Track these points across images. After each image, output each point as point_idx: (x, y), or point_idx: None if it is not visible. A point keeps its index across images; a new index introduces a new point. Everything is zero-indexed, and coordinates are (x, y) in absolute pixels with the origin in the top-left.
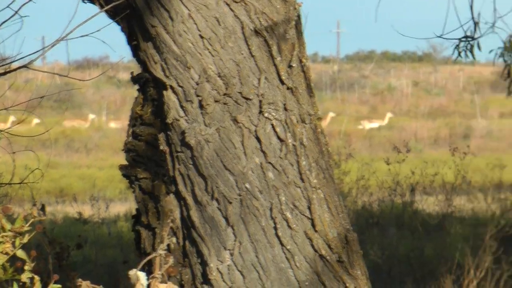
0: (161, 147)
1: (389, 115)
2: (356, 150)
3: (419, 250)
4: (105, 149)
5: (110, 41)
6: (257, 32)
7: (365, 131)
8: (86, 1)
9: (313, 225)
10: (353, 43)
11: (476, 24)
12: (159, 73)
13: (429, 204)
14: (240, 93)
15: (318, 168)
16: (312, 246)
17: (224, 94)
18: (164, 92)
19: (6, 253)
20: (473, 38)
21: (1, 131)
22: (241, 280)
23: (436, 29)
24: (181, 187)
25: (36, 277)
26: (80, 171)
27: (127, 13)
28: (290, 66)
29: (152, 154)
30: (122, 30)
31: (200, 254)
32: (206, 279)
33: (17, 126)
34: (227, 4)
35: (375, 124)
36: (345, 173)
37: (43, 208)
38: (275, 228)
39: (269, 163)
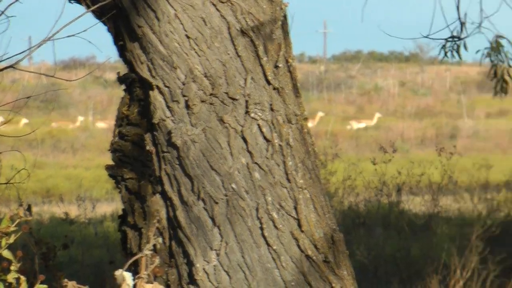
0: (147, 147)
1: (377, 115)
2: (343, 150)
3: (406, 250)
4: (92, 149)
5: (97, 41)
6: (243, 32)
7: (352, 131)
8: (72, 1)
9: (299, 225)
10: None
11: (462, 24)
12: (145, 73)
13: (415, 204)
14: (226, 93)
15: (304, 168)
16: (298, 246)
17: (211, 94)
18: (151, 92)
19: None
20: (459, 38)
21: None
22: (227, 280)
23: (423, 30)
24: (167, 187)
25: (22, 278)
26: (66, 171)
27: (113, 13)
28: (276, 66)
29: (138, 154)
30: (109, 30)
31: (186, 254)
32: (192, 280)
33: (3, 126)
34: (213, 4)
35: (363, 124)
36: (332, 173)
37: (29, 208)
38: (261, 228)
39: (256, 163)
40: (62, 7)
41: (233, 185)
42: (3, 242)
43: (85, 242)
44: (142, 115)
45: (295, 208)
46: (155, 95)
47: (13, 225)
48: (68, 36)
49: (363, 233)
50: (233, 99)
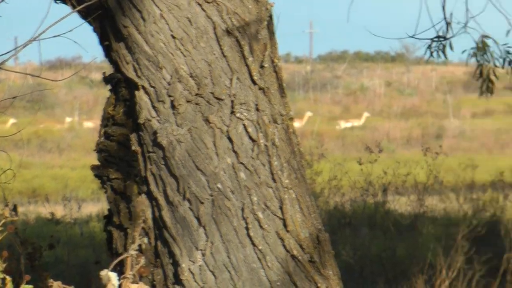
0: (133, 148)
1: (366, 114)
2: (329, 150)
3: (391, 250)
4: (78, 149)
5: (83, 42)
6: (229, 32)
7: (338, 131)
8: (58, 1)
9: (285, 225)
10: (326, 43)
11: (448, 24)
12: (131, 74)
13: (401, 204)
14: (212, 93)
15: (290, 168)
16: (284, 246)
17: (196, 94)
18: (136, 93)
19: None
20: (445, 38)
21: None
22: (213, 280)
23: (409, 30)
24: (153, 187)
25: (8, 278)
26: (52, 171)
27: (99, 14)
28: (262, 67)
29: (124, 154)
30: (95, 30)
31: (171, 255)
32: (177, 280)
33: None
34: (199, 4)
35: (352, 124)
36: (317, 173)
37: (15, 209)
38: (247, 228)
39: (241, 163)
40: (48, 7)
41: (219, 185)
42: None
43: (71, 242)
44: (128, 115)
45: (281, 208)
46: (140, 95)
47: None
48: (54, 36)
49: (349, 233)
50: (219, 99)
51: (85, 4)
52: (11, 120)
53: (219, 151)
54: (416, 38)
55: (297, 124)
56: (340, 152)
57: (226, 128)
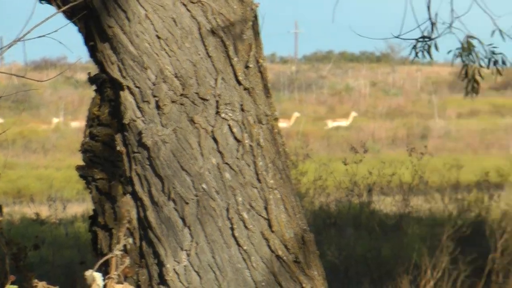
0: (118, 148)
1: (353, 114)
2: (314, 150)
3: (376, 250)
4: (63, 150)
5: (68, 42)
6: (214, 33)
7: (323, 131)
8: (43, 1)
9: (270, 226)
10: (311, 43)
11: (433, 24)
12: (116, 74)
13: (386, 205)
14: (197, 93)
15: (275, 169)
16: (269, 246)
17: (181, 95)
18: (121, 93)
19: None
20: (430, 39)
21: None
22: (198, 280)
23: (394, 30)
24: (137, 187)
25: None
26: (37, 171)
27: (84, 14)
28: (247, 67)
29: (109, 154)
30: (80, 30)
31: (156, 255)
32: (162, 280)
33: None
34: (184, 5)
35: (339, 123)
36: (303, 174)
37: (0, 209)
38: (232, 229)
39: (226, 163)
40: (33, 7)
41: (204, 185)
42: None
43: (56, 242)
44: (113, 116)
45: (266, 208)
46: (125, 95)
47: None
48: (39, 37)
49: (334, 233)
50: (204, 99)
51: (70, 4)
52: None
53: (204, 152)
54: (401, 38)
55: (284, 124)
56: (325, 152)
57: (211, 128)
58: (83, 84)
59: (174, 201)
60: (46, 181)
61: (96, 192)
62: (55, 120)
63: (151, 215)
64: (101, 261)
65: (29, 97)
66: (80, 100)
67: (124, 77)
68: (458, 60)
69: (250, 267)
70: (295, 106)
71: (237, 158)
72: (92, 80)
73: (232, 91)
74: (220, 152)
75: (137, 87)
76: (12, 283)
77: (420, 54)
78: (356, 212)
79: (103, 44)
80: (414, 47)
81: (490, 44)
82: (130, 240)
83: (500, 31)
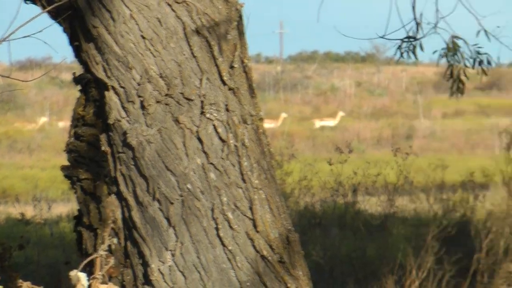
0: (103, 148)
1: (340, 113)
2: (299, 150)
3: (361, 250)
4: (48, 150)
5: (53, 42)
6: (198, 33)
7: (308, 132)
8: (28, 1)
9: (255, 226)
10: (296, 43)
11: (418, 24)
12: (100, 74)
13: (371, 205)
14: (182, 93)
15: (260, 169)
16: (254, 246)
17: (166, 95)
18: (106, 93)
19: None
20: (415, 39)
21: None
22: (183, 280)
23: (379, 30)
24: (122, 187)
25: None
26: (22, 171)
27: (69, 14)
28: (232, 67)
29: (94, 154)
30: (65, 31)
31: (141, 255)
32: (147, 280)
33: None
34: (169, 5)
35: (327, 123)
36: (288, 174)
37: None
38: (217, 229)
39: (211, 163)
40: (18, 7)
41: (189, 186)
42: None
43: (41, 242)
44: (98, 116)
45: (251, 208)
46: (110, 95)
47: None
48: (24, 37)
49: (319, 234)
50: (189, 99)
51: (55, 4)
52: None
53: (189, 152)
54: (386, 39)
55: (272, 125)
56: (310, 152)
57: (196, 128)
58: (68, 84)
59: (159, 201)
60: (31, 181)
61: (81, 192)
62: (42, 120)
63: (136, 215)
64: (86, 261)
65: (14, 97)
66: (65, 100)
67: (109, 77)
68: (443, 60)
69: (235, 267)
70: (281, 106)
71: (222, 158)
72: (77, 80)
73: (217, 91)
74: (205, 152)
75: (122, 87)
76: None
77: (405, 54)
78: (341, 212)
79: (88, 44)
80: (399, 47)
81: (475, 44)
82: (115, 240)
83: (485, 31)
